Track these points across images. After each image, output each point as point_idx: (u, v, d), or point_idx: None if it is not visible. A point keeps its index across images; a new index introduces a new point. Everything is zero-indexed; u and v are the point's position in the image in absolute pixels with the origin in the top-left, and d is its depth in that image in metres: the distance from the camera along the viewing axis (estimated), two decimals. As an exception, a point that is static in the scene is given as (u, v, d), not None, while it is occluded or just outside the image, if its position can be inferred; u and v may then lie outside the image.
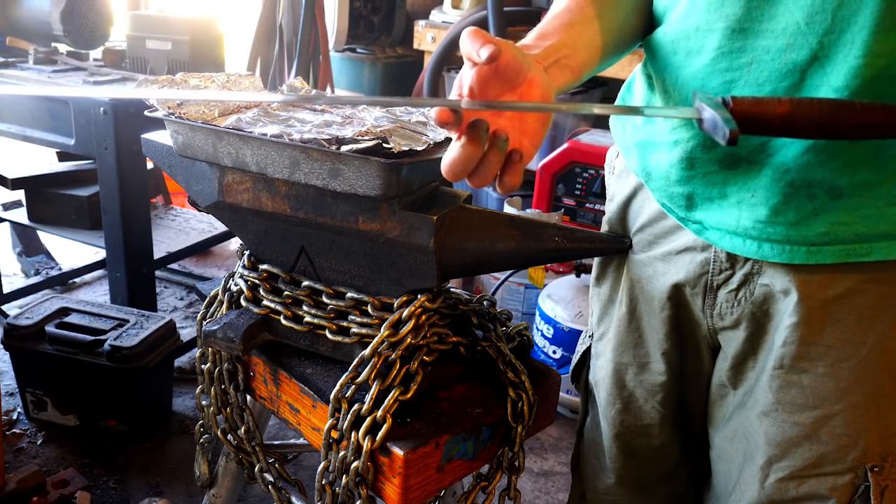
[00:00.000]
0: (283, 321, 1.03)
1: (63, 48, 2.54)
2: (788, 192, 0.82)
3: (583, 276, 2.39)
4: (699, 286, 0.93)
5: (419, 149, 0.90)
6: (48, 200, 2.58)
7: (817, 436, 0.86)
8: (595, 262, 1.13)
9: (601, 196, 2.50)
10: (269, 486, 1.14)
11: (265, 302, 1.05)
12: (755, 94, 0.79)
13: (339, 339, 1.00)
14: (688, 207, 0.92)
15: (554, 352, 2.37)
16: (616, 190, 1.07)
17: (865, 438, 0.84)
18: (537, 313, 2.45)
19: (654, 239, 0.99)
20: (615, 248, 1.05)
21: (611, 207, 1.09)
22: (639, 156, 0.98)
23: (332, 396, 0.94)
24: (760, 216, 0.84)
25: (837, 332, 0.83)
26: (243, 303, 1.07)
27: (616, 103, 1.09)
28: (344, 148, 0.89)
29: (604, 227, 1.11)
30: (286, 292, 1.03)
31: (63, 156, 2.78)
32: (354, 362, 0.95)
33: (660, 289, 0.98)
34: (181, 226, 2.92)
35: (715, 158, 0.86)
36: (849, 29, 0.72)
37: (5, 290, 2.86)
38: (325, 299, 1.01)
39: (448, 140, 0.97)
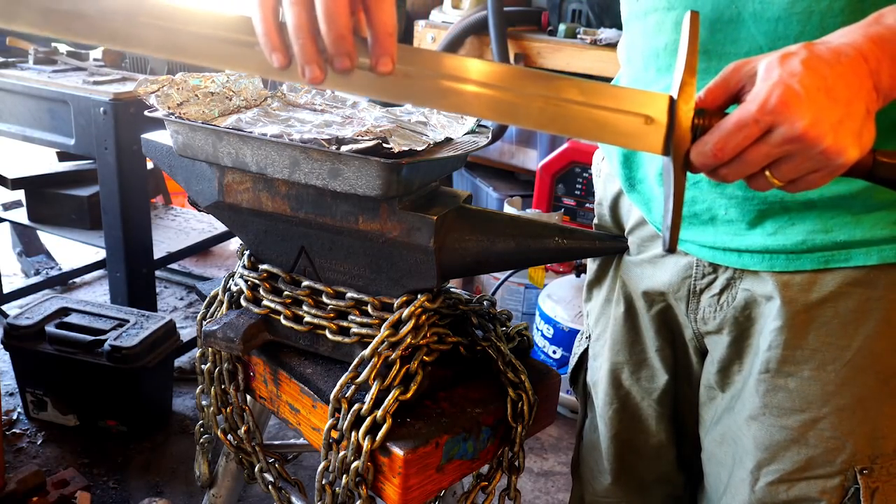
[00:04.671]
0: (283, 321, 1.03)
1: (63, 48, 2.54)
2: (763, 208, 0.82)
3: (582, 276, 2.39)
4: (682, 290, 0.94)
5: (419, 149, 0.90)
6: (48, 200, 2.58)
7: (805, 439, 0.85)
8: (590, 264, 1.13)
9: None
10: (269, 486, 1.14)
11: (265, 302, 1.05)
12: None
13: (339, 339, 1.00)
14: (662, 225, 0.92)
15: (554, 352, 2.37)
16: (604, 193, 1.08)
17: (853, 441, 0.84)
18: (537, 313, 2.45)
19: (641, 242, 1.00)
20: (615, 248, 1.05)
21: (601, 210, 1.09)
22: (620, 164, 0.98)
23: (332, 396, 0.94)
24: (739, 230, 0.85)
25: (822, 336, 0.83)
26: (243, 303, 1.07)
27: None
28: (344, 148, 0.89)
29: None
30: (286, 292, 1.03)
31: (63, 156, 2.78)
32: (354, 362, 0.95)
33: (647, 289, 0.98)
34: (181, 226, 2.91)
35: None
36: None
37: (5, 290, 2.86)
38: (325, 299, 1.01)
39: (448, 140, 0.97)
